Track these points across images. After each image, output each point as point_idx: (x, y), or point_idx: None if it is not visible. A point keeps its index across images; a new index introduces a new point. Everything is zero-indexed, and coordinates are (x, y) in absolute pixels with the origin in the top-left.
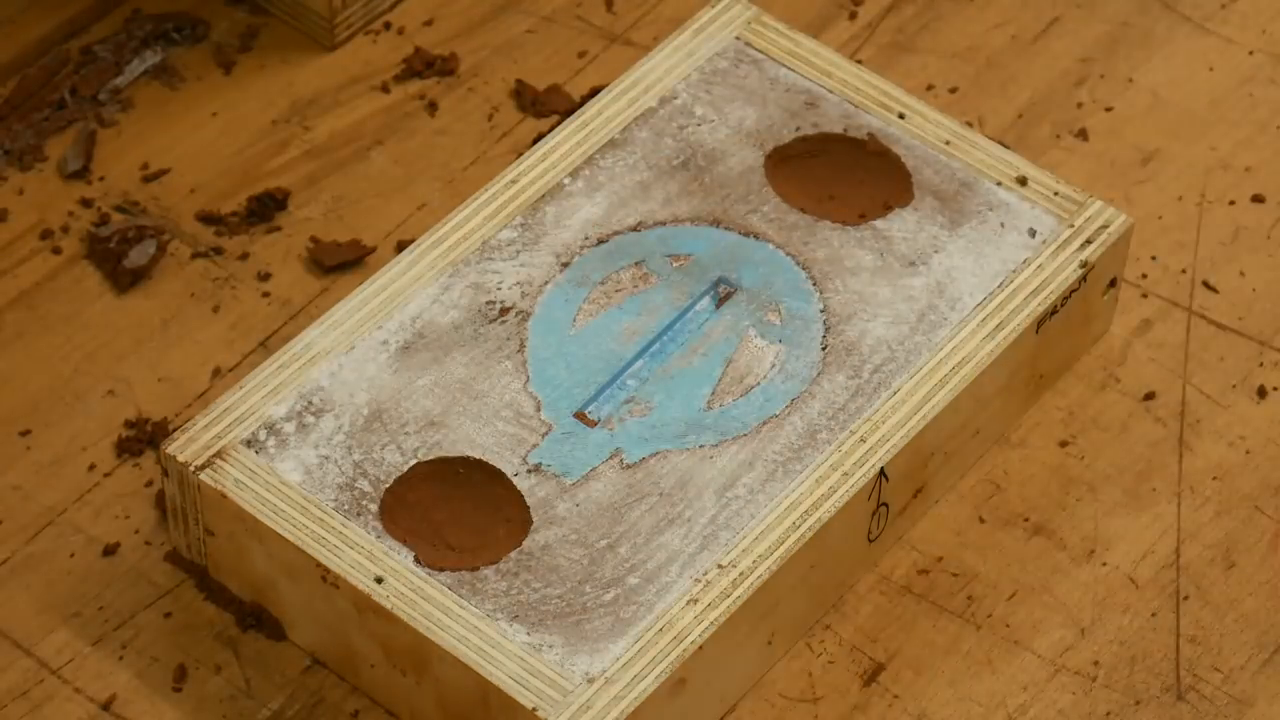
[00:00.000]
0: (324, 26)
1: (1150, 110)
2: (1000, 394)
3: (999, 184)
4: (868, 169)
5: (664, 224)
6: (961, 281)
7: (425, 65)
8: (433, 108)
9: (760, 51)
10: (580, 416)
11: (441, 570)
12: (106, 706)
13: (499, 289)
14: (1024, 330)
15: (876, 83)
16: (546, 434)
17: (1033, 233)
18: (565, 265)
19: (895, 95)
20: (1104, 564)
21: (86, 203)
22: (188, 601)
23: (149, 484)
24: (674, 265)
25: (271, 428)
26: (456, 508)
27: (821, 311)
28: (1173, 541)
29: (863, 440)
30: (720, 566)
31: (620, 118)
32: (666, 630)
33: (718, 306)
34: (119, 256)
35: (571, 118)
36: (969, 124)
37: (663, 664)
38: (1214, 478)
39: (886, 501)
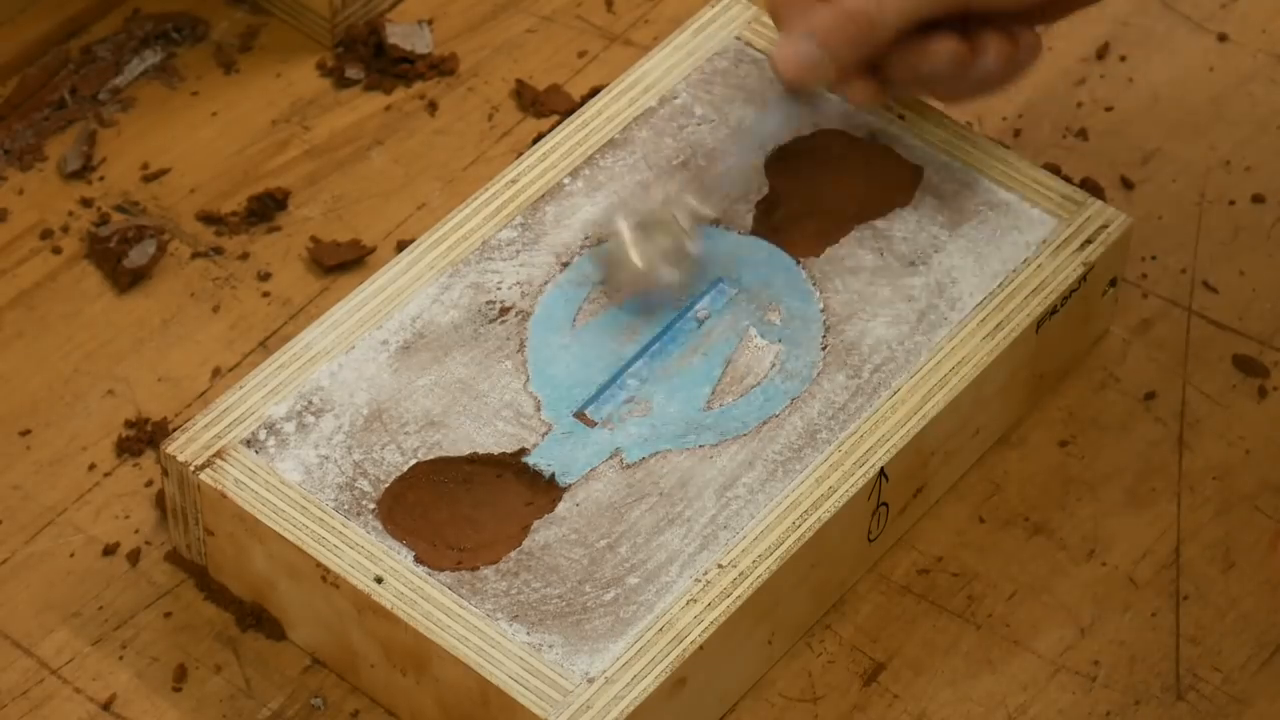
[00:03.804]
0: (324, 26)
1: (1150, 110)
2: (1000, 394)
3: (999, 184)
4: (868, 169)
5: None
6: (961, 281)
7: (426, 65)
8: (433, 108)
9: (760, 51)
10: (580, 416)
11: (441, 570)
12: (106, 706)
13: (499, 289)
14: (1024, 330)
15: None
16: (546, 434)
17: None
18: (565, 265)
19: None
20: (1104, 564)
21: (86, 203)
22: (188, 601)
23: (149, 484)
24: None
25: (271, 427)
26: (456, 508)
27: (821, 311)
28: (1172, 541)
29: (863, 440)
30: (720, 566)
31: (620, 117)
32: (666, 630)
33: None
34: (119, 256)
35: (571, 118)
36: (969, 124)
37: (663, 664)
38: (1214, 478)
39: (886, 501)
